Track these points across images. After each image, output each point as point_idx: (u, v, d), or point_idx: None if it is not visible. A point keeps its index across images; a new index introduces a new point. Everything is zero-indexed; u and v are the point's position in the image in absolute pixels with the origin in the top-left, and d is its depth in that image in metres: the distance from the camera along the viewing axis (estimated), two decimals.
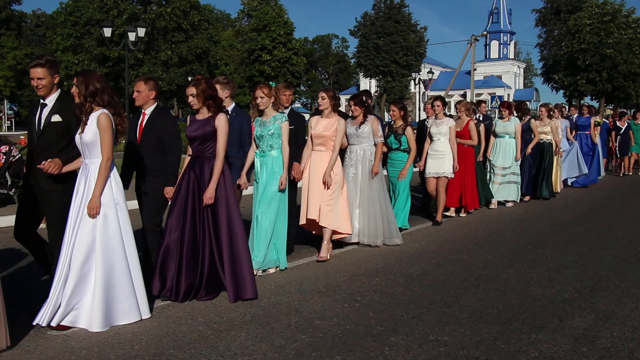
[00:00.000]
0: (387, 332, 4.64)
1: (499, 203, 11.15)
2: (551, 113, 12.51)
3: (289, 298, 5.50)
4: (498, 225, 9.45)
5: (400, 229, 8.22)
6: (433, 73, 48.62)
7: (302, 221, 6.97)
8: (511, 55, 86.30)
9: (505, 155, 11.03)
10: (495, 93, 73.51)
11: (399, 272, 6.44)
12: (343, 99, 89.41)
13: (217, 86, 6.39)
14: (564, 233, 8.81)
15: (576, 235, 8.59)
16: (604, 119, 17.70)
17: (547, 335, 4.57)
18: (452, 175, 9.21)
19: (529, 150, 11.59)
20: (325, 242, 6.98)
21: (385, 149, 8.36)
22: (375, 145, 7.66)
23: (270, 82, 6.49)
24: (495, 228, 9.19)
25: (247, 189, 6.59)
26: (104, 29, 23.93)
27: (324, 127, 6.93)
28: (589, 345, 4.39)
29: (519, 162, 11.18)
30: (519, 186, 11.26)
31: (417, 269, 6.58)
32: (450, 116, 10.71)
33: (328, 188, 6.78)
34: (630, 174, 17.34)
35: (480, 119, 11.69)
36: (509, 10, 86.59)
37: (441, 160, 9.13)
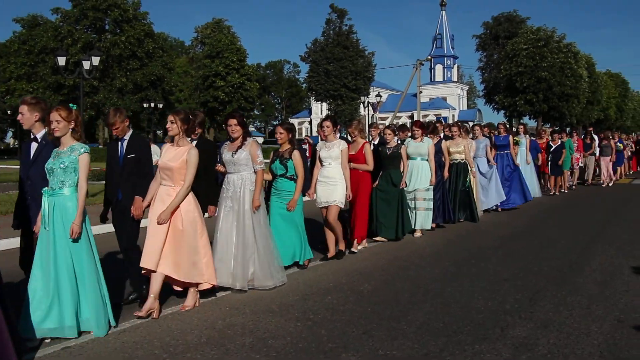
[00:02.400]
0: (338, 349, 4.67)
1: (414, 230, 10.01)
2: (462, 132, 11.70)
3: (244, 319, 5.48)
4: (443, 241, 9.62)
5: (301, 266, 7.49)
6: (381, 96, 49.37)
7: (143, 263, 5.49)
8: (455, 78, 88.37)
9: (418, 178, 9.91)
10: (441, 114, 75.26)
11: (350, 290, 6.49)
12: (295, 122, 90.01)
13: (24, 107, 5.40)
14: (505, 247, 9.02)
15: (517, 249, 8.81)
16: (532, 138, 17.42)
17: (489, 345, 4.67)
18: (343, 205, 8.07)
19: (445, 174, 10.80)
20: (192, 289, 5.84)
21: (269, 177, 7.43)
22: (255, 172, 6.48)
23: (71, 105, 5.19)
24: (441, 244, 9.35)
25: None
26: (58, 57, 23.53)
27: (171, 156, 5.60)
28: (528, 352, 4.50)
29: (433, 187, 10.09)
30: (431, 213, 10.10)
31: (367, 286, 6.64)
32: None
33: (163, 225, 5.49)
34: (565, 191, 17.44)
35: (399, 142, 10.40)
36: (451, 35, 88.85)
37: (332, 188, 7.95)
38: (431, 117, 74.03)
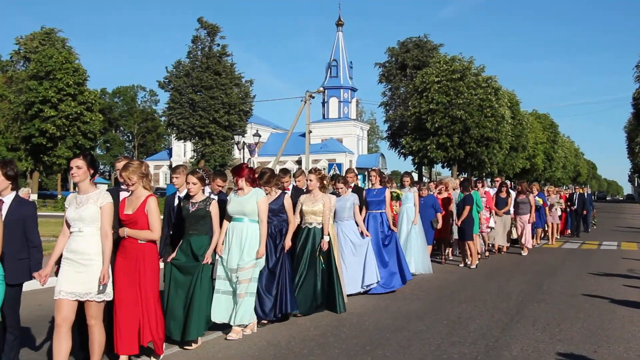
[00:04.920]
0: None
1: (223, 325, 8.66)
2: (324, 183, 10.50)
3: None
4: (333, 321, 9.63)
5: None
6: (260, 135, 49.74)
7: None
8: (353, 115, 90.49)
9: (242, 248, 8.62)
10: (335, 159, 76.50)
11: None
12: (151, 165, 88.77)
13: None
14: (409, 328, 9.17)
15: (422, 331, 8.97)
16: (431, 192, 16.72)
17: None
18: (110, 297, 6.58)
19: (287, 244, 9.45)
20: None
21: None
22: None
23: None
24: (329, 325, 9.35)
25: None
26: None
27: None
28: None
29: (272, 263, 9.16)
30: (253, 300, 8.75)
31: None
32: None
33: None
34: (473, 266, 16.24)
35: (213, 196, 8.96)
36: (349, 63, 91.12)
37: (85, 270, 6.39)
38: (323, 163, 75.51)
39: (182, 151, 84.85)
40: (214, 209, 8.21)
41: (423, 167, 60.54)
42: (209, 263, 8.13)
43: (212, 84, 56.21)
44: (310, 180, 10.36)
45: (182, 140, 62.73)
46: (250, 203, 8.66)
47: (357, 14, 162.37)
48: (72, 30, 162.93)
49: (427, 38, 65.97)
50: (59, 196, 54.51)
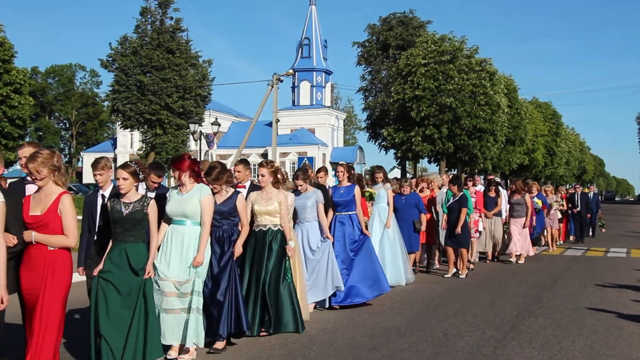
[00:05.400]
0: None
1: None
2: (278, 177, 10.05)
3: None
4: (301, 339, 9.66)
5: None
6: (220, 125, 49.36)
7: None
8: (327, 102, 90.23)
9: (181, 257, 8.28)
10: (306, 152, 76.39)
11: None
12: (91, 157, 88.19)
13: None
14: (388, 346, 9.23)
15: (403, 349, 9.04)
16: (414, 189, 16.69)
17: None
18: None
19: (237, 251, 9.06)
20: None
21: None
22: None
23: None
24: (297, 343, 9.38)
25: None
26: None
27: None
28: None
29: (205, 271, 8.55)
30: (201, 318, 8.39)
31: None
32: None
33: None
34: (462, 275, 16.36)
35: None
36: (323, 42, 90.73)
37: None
38: (292, 156, 75.51)
39: (129, 142, 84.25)
40: (152, 210, 7.80)
41: (407, 161, 60.57)
42: (150, 277, 7.82)
43: (163, 64, 55.79)
44: (262, 175, 9.89)
45: (129, 129, 62.18)
46: (193, 202, 8.31)
47: None
48: None
49: (413, 14, 65.89)
50: None
